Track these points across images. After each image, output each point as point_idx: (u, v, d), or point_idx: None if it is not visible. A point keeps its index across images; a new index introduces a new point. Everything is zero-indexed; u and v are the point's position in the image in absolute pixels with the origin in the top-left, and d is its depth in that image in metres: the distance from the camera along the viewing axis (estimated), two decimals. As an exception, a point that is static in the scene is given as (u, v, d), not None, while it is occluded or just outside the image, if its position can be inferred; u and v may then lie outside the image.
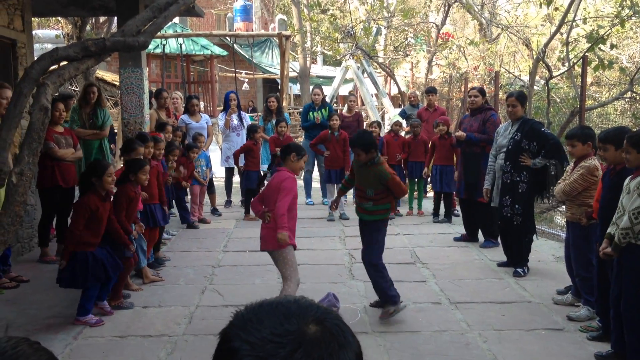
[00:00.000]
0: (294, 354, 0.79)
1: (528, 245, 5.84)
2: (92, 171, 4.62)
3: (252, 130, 8.52)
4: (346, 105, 9.95)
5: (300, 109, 12.62)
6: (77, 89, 14.21)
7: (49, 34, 15.55)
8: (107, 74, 17.09)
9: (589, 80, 10.18)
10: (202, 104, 14.32)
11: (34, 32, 11.54)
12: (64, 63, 4.03)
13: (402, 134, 9.00)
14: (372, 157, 4.67)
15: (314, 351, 0.80)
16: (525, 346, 4.18)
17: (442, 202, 8.35)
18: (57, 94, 7.06)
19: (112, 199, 4.94)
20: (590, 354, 4.03)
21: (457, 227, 7.80)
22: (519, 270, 5.78)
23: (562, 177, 5.05)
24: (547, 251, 6.77)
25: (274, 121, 9.25)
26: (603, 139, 4.25)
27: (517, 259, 5.83)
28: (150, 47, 14.34)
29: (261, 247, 4.62)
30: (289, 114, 12.71)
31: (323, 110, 9.31)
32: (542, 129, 5.78)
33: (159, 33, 14.00)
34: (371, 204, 4.73)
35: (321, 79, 21.74)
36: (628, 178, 3.90)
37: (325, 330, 0.83)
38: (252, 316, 0.87)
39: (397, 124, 8.93)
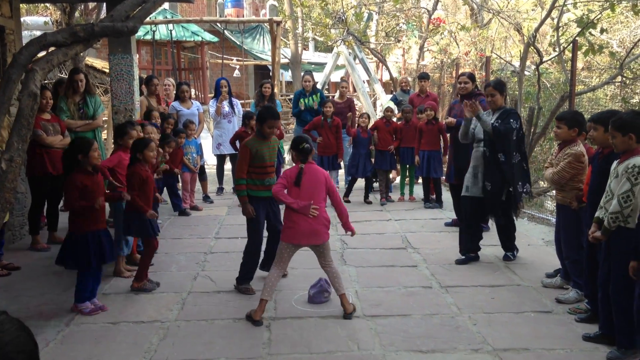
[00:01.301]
0: None
1: (513, 227, 5.85)
2: (77, 149, 4.53)
3: (248, 117, 8.49)
4: (338, 91, 9.92)
5: (292, 96, 12.58)
6: (64, 76, 14.10)
7: (37, 20, 15.38)
8: (96, 61, 16.96)
9: (579, 65, 10.22)
10: (193, 91, 14.26)
11: (22, 19, 11.41)
12: (52, 49, 4.01)
13: (394, 119, 8.99)
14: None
15: None
16: (515, 328, 4.23)
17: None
18: (46, 81, 6.99)
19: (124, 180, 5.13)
20: (578, 336, 4.09)
21: (448, 212, 7.85)
22: (509, 254, 5.82)
23: (549, 161, 5.07)
24: (537, 235, 6.83)
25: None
26: (595, 119, 4.28)
27: (507, 243, 5.86)
28: (140, 33, 14.24)
29: (316, 241, 4.42)
30: (281, 100, 12.68)
31: (314, 96, 9.30)
32: (512, 120, 5.52)
33: (148, 19, 13.89)
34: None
35: (313, 66, 21.65)
36: (615, 162, 3.93)
37: None
38: None
39: (389, 109, 8.93)
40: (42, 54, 4.13)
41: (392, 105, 9.44)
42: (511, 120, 5.53)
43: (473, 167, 5.83)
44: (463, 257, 5.81)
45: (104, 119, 12.92)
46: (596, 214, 3.98)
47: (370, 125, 9.00)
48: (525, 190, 5.66)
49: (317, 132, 8.50)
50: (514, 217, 5.88)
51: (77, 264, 4.53)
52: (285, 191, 4.42)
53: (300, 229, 4.36)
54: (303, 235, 4.38)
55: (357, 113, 9.48)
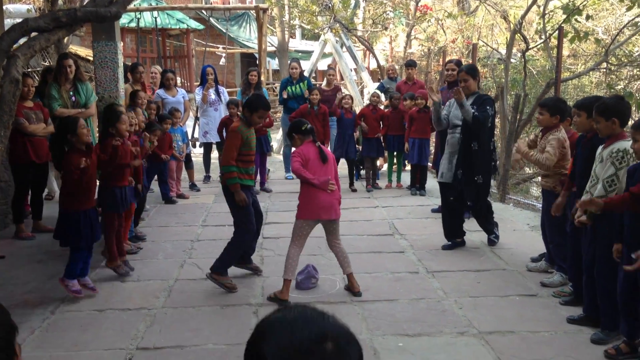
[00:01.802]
0: None
1: (490, 210, 5.86)
2: (65, 129, 4.53)
3: (232, 104, 8.45)
4: (325, 79, 9.89)
5: (278, 85, 12.52)
6: (51, 64, 13.92)
7: (20, 8, 15.12)
8: (80, 49, 16.72)
9: (565, 52, 10.26)
10: (178, 79, 14.14)
11: (4, 7, 11.21)
12: (34, 34, 3.95)
13: (382, 107, 8.98)
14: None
15: None
16: (500, 312, 4.27)
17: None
18: (29, 69, 6.88)
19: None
20: (562, 318, 4.14)
21: (435, 199, 7.88)
22: (492, 238, 5.86)
23: (531, 139, 5.09)
24: (523, 220, 6.89)
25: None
26: (578, 105, 4.30)
27: (487, 226, 5.87)
28: (125, 21, 14.07)
29: (334, 215, 4.60)
30: (267, 89, 12.62)
31: (301, 84, 9.26)
32: (488, 107, 5.51)
33: (132, 6, 13.68)
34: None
35: (300, 54, 21.55)
36: (600, 147, 3.96)
37: (340, 348, 0.95)
38: (279, 326, 0.98)
39: (375, 95, 8.91)
40: (24, 40, 4.07)
41: (379, 92, 9.43)
42: (487, 107, 5.51)
43: (449, 153, 5.83)
44: (449, 242, 5.84)
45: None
46: (582, 199, 4.02)
47: (357, 112, 8.99)
48: (480, 180, 5.64)
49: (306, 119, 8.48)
50: (490, 201, 5.93)
51: (69, 242, 4.54)
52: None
53: (320, 204, 4.50)
54: (323, 209, 4.52)
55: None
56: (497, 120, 8.92)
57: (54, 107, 6.24)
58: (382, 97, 9.75)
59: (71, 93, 6.41)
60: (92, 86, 6.25)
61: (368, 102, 9.14)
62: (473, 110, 5.48)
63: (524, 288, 4.74)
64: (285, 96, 9.20)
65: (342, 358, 0.95)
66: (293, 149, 4.82)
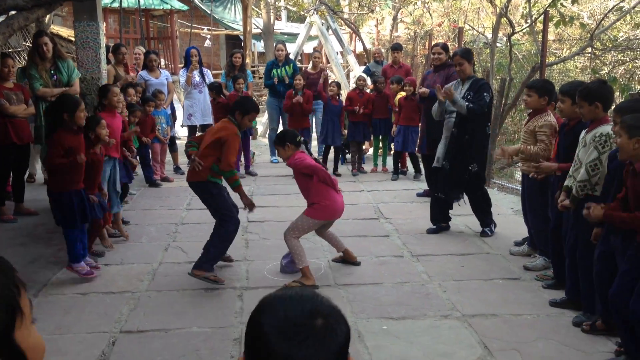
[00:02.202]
0: (307, 340, 1.03)
1: (486, 201, 5.81)
2: (63, 106, 4.43)
3: (213, 88, 8.39)
4: (310, 62, 9.82)
5: (263, 68, 12.41)
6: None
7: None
8: (62, 29, 16.43)
9: (551, 36, 10.27)
10: (162, 61, 13.95)
11: (-18, -16, 10.95)
12: (12, 13, 3.85)
13: (368, 90, 8.93)
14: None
15: (318, 339, 1.04)
16: (483, 295, 4.30)
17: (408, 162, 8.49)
18: (10, 50, 6.71)
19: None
20: (545, 301, 4.18)
21: (420, 183, 7.90)
22: (486, 230, 5.75)
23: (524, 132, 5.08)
24: (507, 205, 6.93)
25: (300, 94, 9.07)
26: (563, 91, 4.30)
27: (482, 218, 5.80)
28: (107, 0, 13.83)
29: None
30: (252, 71, 12.51)
31: (287, 67, 9.18)
32: (485, 94, 5.46)
33: (115, -14, 13.36)
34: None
35: (285, 36, 21.36)
36: (583, 131, 3.98)
37: (328, 325, 1.06)
38: (277, 302, 1.10)
39: (361, 79, 8.86)
40: (1, 18, 3.97)
41: (364, 75, 9.39)
42: (484, 94, 5.46)
43: (445, 137, 5.79)
44: (434, 226, 5.86)
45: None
46: (565, 183, 4.04)
47: (343, 97, 8.94)
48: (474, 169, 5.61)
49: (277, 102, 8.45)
50: (487, 191, 5.87)
51: (66, 222, 4.50)
52: None
53: (339, 206, 4.69)
54: (339, 211, 4.72)
55: (328, 81, 9.38)
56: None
57: (36, 86, 6.08)
58: (369, 80, 9.70)
59: (52, 72, 6.20)
60: (11, 90, 5.98)
61: (354, 86, 9.08)
62: (467, 103, 5.42)
63: (507, 272, 4.78)
64: (276, 82, 9.10)
65: (330, 333, 1.05)
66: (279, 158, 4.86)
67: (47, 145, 4.58)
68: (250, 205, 4.67)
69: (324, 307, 1.09)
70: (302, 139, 4.69)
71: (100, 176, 5.03)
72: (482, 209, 5.80)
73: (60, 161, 4.41)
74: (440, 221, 5.89)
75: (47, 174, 4.74)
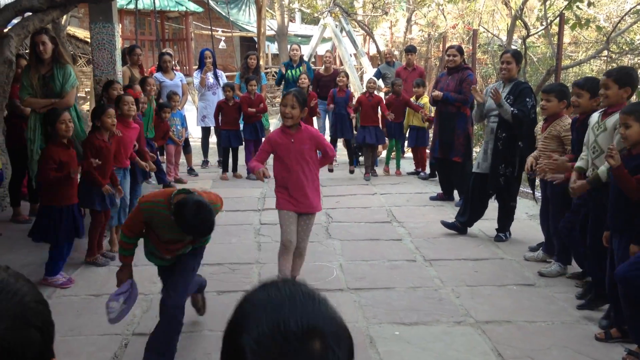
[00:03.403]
0: None
1: (512, 211, 5.70)
2: (47, 119, 4.44)
3: (227, 87, 8.40)
4: (323, 64, 9.81)
5: (276, 70, 12.43)
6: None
7: (16, -12, 14.97)
8: (79, 31, 16.59)
9: (567, 39, 10.19)
10: (177, 63, 14.00)
11: (-1, -14, 11.07)
12: (28, 14, 3.88)
13: (382, 94, 8.92)
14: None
15: None
16: (497, 301, 4.26)
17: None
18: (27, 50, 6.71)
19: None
20: (560, 308, 4.13)
21: (433, 186, 7.85)
22: (501, 235, 5.67)
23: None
24: (521, 209, 6.85)
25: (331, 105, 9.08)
26: (580, 84, 4.24)
27: (501, 224, 5.70)
28: (123, 2, 13.93)
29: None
30: (266, 73, 12.52)
31: (301, 67, 9.19)
32: (527, 99, 5.29)
33: (131, -13, 13.45)
34: None
35: (299, 38, 21.37)
36: (597, 115, 3.92)
37: (327, 349, 0.85)
38: (263, 311, 0.88)
39: (371, 82, 8.82)
40: (17, 20, 4.00)
41: (375, 79, 9.36)
42: (527, 100, 5.27)
43: (485, 142, 5.70)
44: (452, 222, 5.81)
45: (86, 89, 12.67)
46: (578, 164, 4.00)
47: (355, 97, 8.92)
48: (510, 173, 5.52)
49: None
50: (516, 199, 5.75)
51: (48, 238, 4.49)
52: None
53: None
54: None
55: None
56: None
57: (22, 96, 5.28)
58: (381, 82, 9.68)
59: (47, 79, 5.31)
60: (89, 69, 5.97)
61: (365, 89, 9.08)
62: (512, 109, 5.26)
63: (522, 277, 4.73)
64: (284, 71, 9.17)
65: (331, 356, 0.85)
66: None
67: (40, 163, 4.53)
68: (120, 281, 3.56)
69: (323, 322, 0.88)
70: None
71: (111, 165, 4.98)
72: (510, 213, 5.70)
73: (55, 175, 4.37)
74: (463, 223, 5.79)
75: (40, 188, 4.61)
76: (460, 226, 5.82)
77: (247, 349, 0.84)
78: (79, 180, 4.86)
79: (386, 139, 8.86)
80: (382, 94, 8.98)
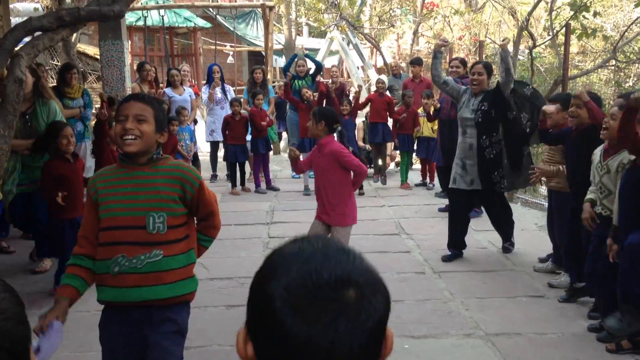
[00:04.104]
0: (335, 322, 0.78)
1: (511, 215, 5.67)
2: (48, 134, 4.47)
3: (235, 102, 8.46)
4: (330, 78, 9.86)
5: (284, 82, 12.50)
6: (59, 63, 13.97)
7: (28, 7, 15.19)
8: (89, 48, 16.78)
9: (574, 49, 10.17)
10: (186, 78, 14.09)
11: (12, 6, 11.26)
12: (38, 34, 3.95)
13: (388, 93, 8.98)
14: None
15: (349, 318, 0.80)
16: (507, 313, 4.23)
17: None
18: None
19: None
20: (570, 320, 4.10)
21: (442, 198, 7.84)
22: (507, 245, 5.60)
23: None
24: (530, 220, 6.83)
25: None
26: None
27: (505, 233, 5.62)
28: (132, 19, 14.10)
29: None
30: (273, 87, 12.60)
31: (307, 79, 9.25)
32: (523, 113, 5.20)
33: (140, 4, 13.66)
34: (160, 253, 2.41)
35: (307, 51, 21.49)
36: (599, 152, 3.90)
37: (363, 298, 0.81)
38: (294, 262, 0.83)
39: (380, 82, 8.84)
40: (28, 39, 4.07)
41: (384, 77, 9.39)
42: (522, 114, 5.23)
43: (460, 158, 5.43)
44: (451, 253, 5.48)
45: (96, 106, 12.79)
46: (589, 196, 3.96)
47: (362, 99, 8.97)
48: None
49: (298, 114, 8.46)
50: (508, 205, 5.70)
51: (57, 251, 4.52)
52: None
53: None
54: None
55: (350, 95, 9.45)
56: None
57: None
58: (387, 81, 9.72)
59: (27, 117, 4.77)
60: (99, 86, 5.97)
61: (374, 89, 9.15)
62: (474, 108, 5.21)
63: (532, 289, 4.70)
64: (292, 72, 9.24)
65: (365, 310, 0.80)
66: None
67: (42, 178, 4.56)
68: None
69: (357, 272, 0.82)
70: (339, 128, 4.43)
71: (82, 194, 4.73)
72: (508, 219, 5.57)
73: (52, 194, 4.36)
74: (459, 247, 5.52)
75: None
76: (457, 252, 5.48)
77: (276, 296, 0.80)
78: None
79: (396, 148, 8.86)
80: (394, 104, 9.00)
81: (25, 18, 11.48)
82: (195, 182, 2.48)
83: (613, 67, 8.83)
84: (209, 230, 2.73)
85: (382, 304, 0.83)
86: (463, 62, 6.97)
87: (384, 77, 9.30)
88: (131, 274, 2.39)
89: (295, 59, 9.55)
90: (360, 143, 9.27)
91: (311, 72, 9.35)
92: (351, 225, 4.50)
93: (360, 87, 9.91)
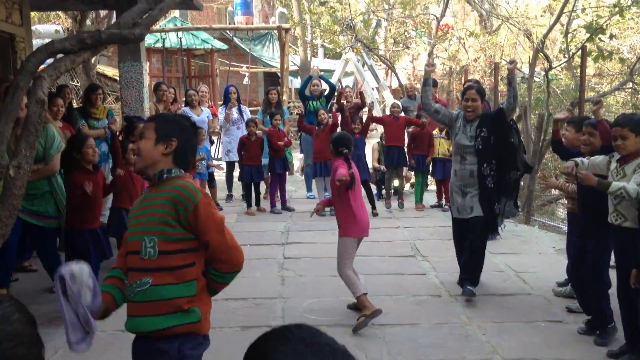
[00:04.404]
0: None
1: (483, 258, 5.09)
2: (72, 146, 4.58)
3: (250, 122, 8.52)
4: (345, 99, 9.90)
5: (300, 104, 12.58)
6: (79, 84, 14.21)
7: (49, 29, 15.52)
8: (108, 69, 17.06)
9: (590, 71, 10.15)
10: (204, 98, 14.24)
11: (33, 27, 11.50)
12: (60, 56, 4.02)
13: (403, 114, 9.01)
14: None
15: None
16: (525, 338, 4.17)
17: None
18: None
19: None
20: (588, 345, 4.02)
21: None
22: (468, 287, 4.86)
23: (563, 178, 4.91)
24: (548, 243, 6.76)
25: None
26: (594, 124, 4.21)
27: (474, 275, 5.01)
28: (151, 41, 14.35)
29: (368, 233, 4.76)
30: (288, 107, 12.69)
31: (322, 99, 9.30)
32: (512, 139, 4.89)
33: (158, 27, 13.89)
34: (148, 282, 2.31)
35: (322, 72, 21.66)
36: (614, 163, 3.87)
37: None
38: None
39: (395, 106, 8.88)
40: (50, 61, 4.15)
41: (399, 102, 9.42)
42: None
43: (458, 186, 5.04)
44: (465, 289, 4.88)
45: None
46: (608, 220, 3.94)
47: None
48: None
49: (312, 138, 8.48)
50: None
51: (76, 259, 4.56)
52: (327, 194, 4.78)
53: (364, 223, 4.65)
54: (366, 227, 4.67)
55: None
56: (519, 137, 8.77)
57: None
58: (400, 105, 9.75)
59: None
60: (117, 106, 6.02)
61: (389, 112, 9.17)
62: (473, 134, 4.90)
63: (550, 314, 4.63)
64: (307, 93, 9.28)
65: None
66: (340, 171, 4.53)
67: (65, 186, 4.65)
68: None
69: None
70: (345, 151, 4.59)
71: (101, 202, 4.89)
72: (481, 262, 5.05)
73: (75, 199, 4.50)
74: (471, 277, 4.97)
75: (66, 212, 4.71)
76: (472, 288, 4.86)
77: None
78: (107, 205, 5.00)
79: (412, 168, 8.85)
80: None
81: (46, 39, 11.71)
82: (189, 204, 2.26)
83: (630, 90, 8.79)
84: (215, 263, 2.41)
85: None
86: (480, 91, 6.94)
87: (398, 102, 9.34)
88: (129, 302, 2.38)
89: (310, 80, 9.61)
90: (375, 164, 9.29)
91: (326, 92, 9.40)
92: (344, 236, 4.60)
93: (372, 103, 9.89)
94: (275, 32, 17.40)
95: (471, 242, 4.96)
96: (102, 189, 4.82)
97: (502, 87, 10.05)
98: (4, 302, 0.91)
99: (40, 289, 5.27)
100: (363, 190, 8.56)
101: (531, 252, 6.13)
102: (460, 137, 5.02)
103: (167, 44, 14.75)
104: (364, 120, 8.64)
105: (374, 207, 8.38)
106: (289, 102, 17.26)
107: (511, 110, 4.93)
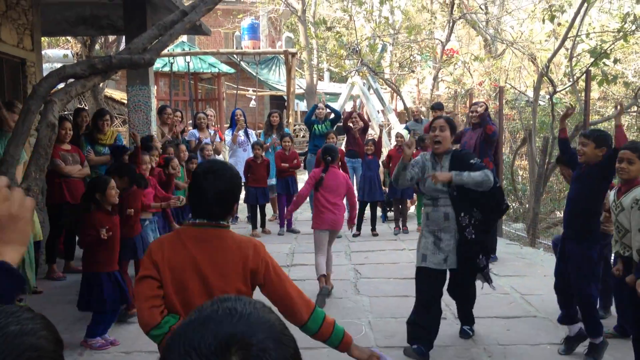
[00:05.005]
0: None
1: (474, 298, 4.71)
2: (94, 187, 4.50)
3: (257, 145, 8.61)
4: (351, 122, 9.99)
5: (304, 126, 12.68)
6: (87, 107, 14.39)
7: (58, 53, 15.78)
8: (115, 92, 17.29)
9: (595, 95, 10.21)
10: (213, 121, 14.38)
11: (43, 52, 11.71)
12: (71, 80, 4.11)
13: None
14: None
15: None
16: (531, 361, 4.15)
17: None
18: (65, 112, 7.01)
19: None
20: (596, 369, 4.00)
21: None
22: (465, 328, 4.70)
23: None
24: (553, 266, 6.72)
25: (274, 136, 9.31)
26: (587, 134, 4.19)
27: (469, 317, 4.73)
28: (159, 65, 14.55)
29: (336, 227, 5.79)
30: (293, 130, 12.79)
31: (327, 123, 9.40)
32: (472, 161, 4.13)
33: (166, 51, 14.10)
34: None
35: (328, 96, 21.86)
36: (613, 194, 3.92)
37: (251, 358, 0.78)
38: (185, 331, 0.82)
39: (399, 136, 8.94)
40: (61, 85, 4.24)
41: (403, 131, 9.49)
42: (473, 161, 4.17)
43: (430, 231, 4.29)
44: (415, 346, 4.17)
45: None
46: (615, 249, 3.98)
47: (383, 157, 9.02)
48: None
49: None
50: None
51: (91, 306, 4.47)
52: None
53: (325, 219, 5.62)
54: (326, 223, 5.62)
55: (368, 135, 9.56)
56: (523, 162, 8.79)
57: None
58: (407, 136, 9.79)
59: None
60: (125, 129, 6.08)
61: (395, 143, 9.20)
62: (482, 176, 3.98)
63: (555, 337, 4.61)
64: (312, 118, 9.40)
65: None
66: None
67: (80, 225, 4.55)
68: None
69: (246, 331, 0.80)
70: (329, 158, 5.67)
71: (117, 246, 4.67)
72: (472, 302, 4.69)
73: (90, 239, 4.37)
74: (425, 339, 4.24)
75: (82, 254, 4.63)
76: (423, 347, 4.18)
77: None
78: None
79: (414, 194, 8.88)
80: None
81: (55, 64, 11.87)
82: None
83: (635, 113, 8.83)
84: None
85: (280, 356, 0.80)
86: (484, 108, 7.04)
87: (402, 132, 9.41)
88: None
89: (315, 108, 9.71)
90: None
91: (331, 117, 9.50)
92: (313, 228, 5.76)
93: (381, 126, 10.06)
94: (282, 56, 17.61)
95: (464, 294, 4.58)
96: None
97: (507, 111, 10.13)
98: (35, 319, 0.95)
99: (65, 300, 5.29)
100: (368, 210, 8.64)
101: (536, 275, 6.11)
102: (430, 181, 4.15)
103: (175, 68, 14.96)
104: (376, 142, 8.73)
105: (373, 229, 8.48)
106: (294, 125, 17.38)
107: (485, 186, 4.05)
